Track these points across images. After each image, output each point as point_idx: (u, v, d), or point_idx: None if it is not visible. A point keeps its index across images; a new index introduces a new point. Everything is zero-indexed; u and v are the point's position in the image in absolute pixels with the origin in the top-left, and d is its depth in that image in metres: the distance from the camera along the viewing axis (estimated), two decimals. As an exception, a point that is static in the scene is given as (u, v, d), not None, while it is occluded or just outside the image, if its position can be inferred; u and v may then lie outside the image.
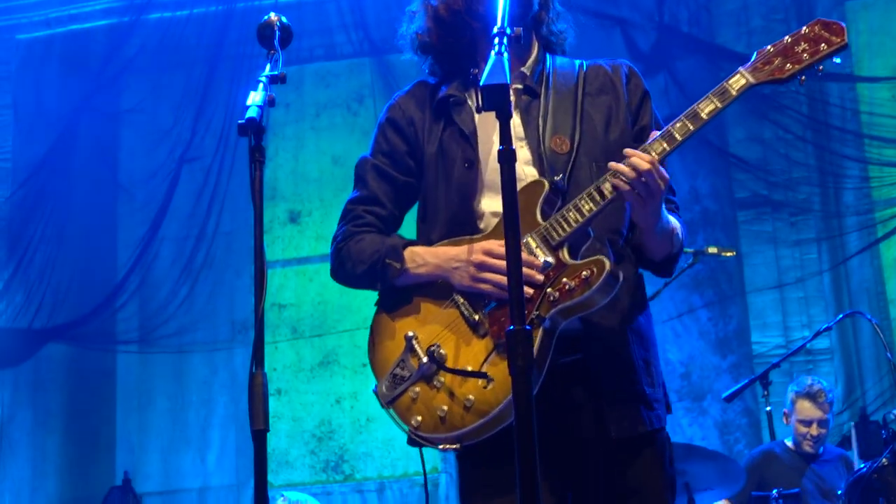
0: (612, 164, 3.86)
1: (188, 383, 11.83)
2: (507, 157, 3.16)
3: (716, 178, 10.82)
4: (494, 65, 3.25)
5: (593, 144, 4.12)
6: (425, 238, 4.24)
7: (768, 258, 10.64)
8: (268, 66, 3.87)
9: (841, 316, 8.76)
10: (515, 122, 4.12)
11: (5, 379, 11.77)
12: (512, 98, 4.03)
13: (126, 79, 12.32)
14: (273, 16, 3.99)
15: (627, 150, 3.85)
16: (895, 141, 10.53)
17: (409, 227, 4.35)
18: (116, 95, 12.41)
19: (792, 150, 10.73)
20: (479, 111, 3.67)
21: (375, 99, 11.59)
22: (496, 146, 3.83)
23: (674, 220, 4.11)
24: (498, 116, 3.19)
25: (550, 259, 3.86)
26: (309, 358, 11.60)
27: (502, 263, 3.83)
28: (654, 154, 3.84)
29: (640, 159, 3.80)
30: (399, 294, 4.17)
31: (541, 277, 3.85)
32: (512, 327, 3.05)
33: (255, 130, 3.58)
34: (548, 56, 4.34)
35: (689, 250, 7.58)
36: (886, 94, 10.74)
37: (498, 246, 3.89)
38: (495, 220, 4.06)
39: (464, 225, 4.11)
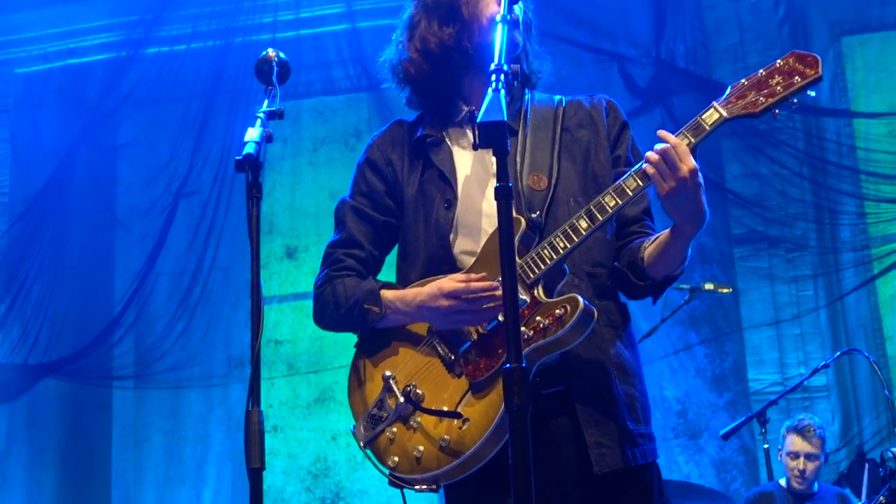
0: (646, 160, 3.80)
1: (184, 419, 11.79)
2: (504, 194, 3.15)
3: (712, 215, 10.74)
4: (491, 102, 3.24)
5: (571, 180, 4.13)
6: (404, 277, 4.25)
7: (765, 294, 10.62)
8: (265, 102, 3.87)
9: (838, 354, 8.74)
10: (493, 158, 4.11)
11: (1, 414, 11.72)
12: None
13: (123, 113, 12.33)
14: (271, 51, 4.00)
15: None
16: (892, 177, 10.52)
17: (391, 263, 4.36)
18: (114, 129, 12.42)
19: (788, 187, 10.73)
20: (475, 148, 3.66)
21: (373, 134, 11.59)
22: (475, 185, 3.85)
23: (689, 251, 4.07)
24: (495, 154, 3.19)
25: (524, 297, 3.85)
26: (305, 394, 11.57)
27: (468, 295, 3.87)
28: (634, 183, 3.83)
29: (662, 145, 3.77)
30: (377, 336, 4.17)
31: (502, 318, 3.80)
32: (508, 365, 3.02)
33: (252, 167, 3.58)
34: (526, 92, 4.35)
35: (686, 287, 7.59)
36: (883, 129, 10.75)
37: (457, 282, 3.90)
38: (471, 259, 4.06)
39: (441, 264, 4.11)
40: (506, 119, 3.17)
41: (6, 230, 12.02)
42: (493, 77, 3.37)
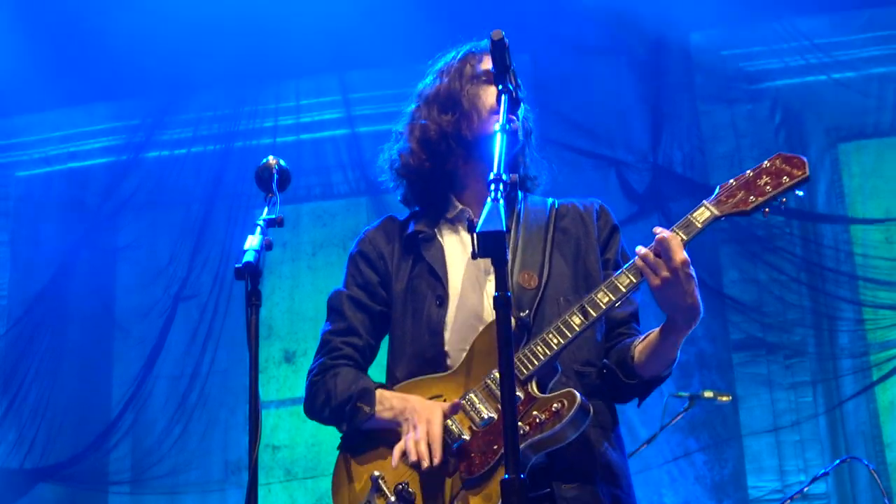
0: (638, 255, 3.89)
1: (181, 525, 11.68)
2: (502, 303, 3.16)
3: (711, 320, 10.79)
4: (490, 211, 3.27)
5: (561, 280, 4.18)
6: (390, 374, 4.29)
7: (764, 401, 10.57)
8: (265, 209, 3.90)
9: (838, 462, 8.68)
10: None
11: (-4, 519, 11.63)
12: None
13: (123, 216, 12.37)
14: (272, 159, 4.04)
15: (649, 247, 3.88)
16: (889, 283, 10.53)
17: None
18: (114, 232, 12.45)
19: (786, 292, 10.73)
20: (474, 257, 3.71)
21: (364, 228, 11.61)
22: (467, 284, 3.89)
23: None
24: (494, 263, 3.21)
25: (518, 394, 3.84)
26: (302, 500, 11.46)
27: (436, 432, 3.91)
28: (628, 279, 3.91)
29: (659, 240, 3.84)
30: (363, 436, 4.20)
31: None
32: (507, 476, 3.01)
33: (251, 275, 3.60)
34: (520, 194, 4.39)
35: (685, 394, 7.58)
36: (880, 236, 10.77)
37: (437, 429, 3.93)
38: (462, 356, 4.09)
39: (431, 362, 4.15)
40: (505, 229, 3.19)
41: (4, 333, 12.01)
42: (493, 186, 3.41)
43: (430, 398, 4.08)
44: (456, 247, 4.33)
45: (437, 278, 4.24)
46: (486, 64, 4.36)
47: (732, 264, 10.80)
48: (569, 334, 3.90)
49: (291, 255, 12.05)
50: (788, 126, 11.22)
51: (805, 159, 3.94)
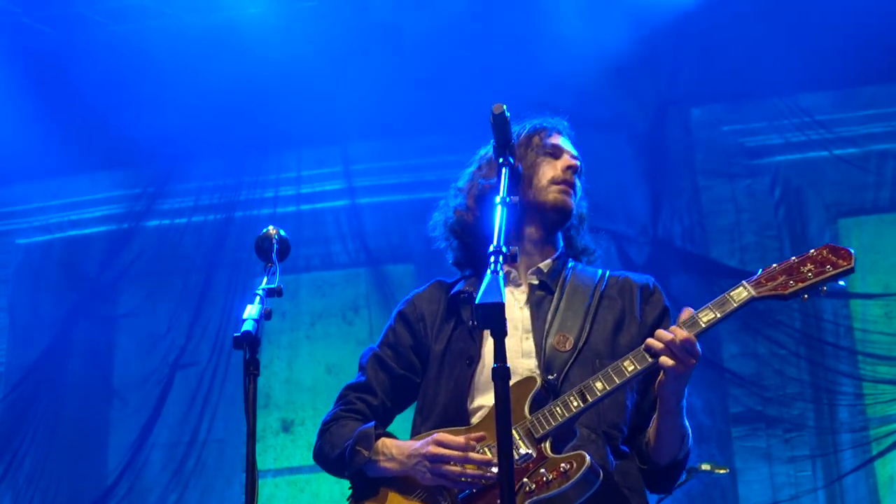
0: (648, 340, 3.93)
1: None
2: (501, 375, 3.17)
3: (710, 393, 10.78)
4: (490, 283, 3.30)
5: (601, 343, 4.21)
6: (416, 430, 4.30)
7: (762, 475, 10.52)
8: (265, 279, 3.92)
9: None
10: (525, 314, 4.25)
11: (-11, 589, 11.55)
12: (526, 289, 4.29)
13: (123, 284, 12.39)
14: (272, 229, 4.06)
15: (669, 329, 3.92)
16: (889, 358, 10.51)
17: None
18: (113, 300, 12.46)
19: (786, 366, 10.72)
20: (473, 329, 3.73)
21: (370, 309, 11.64)
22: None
23: (687, 425, 4.17)
24: (493, 335, 3.22)
25: (530, 451, 3.88)
26: (298, 571, 11.42)
27: (454, 452, 3.91)
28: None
29: (678, 330, 3.87)
30: (370, 484, 4.19)
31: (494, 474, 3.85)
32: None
33: (250, 344, 3.61)
34: (570, 261, 4.45)
35: (683, 467, 7.54)
36: (879, 310, 10.77)
37: (449, 436, 3.96)
38: (485, 412, 4.09)
39: (455, 421, 4.17)
40: (503, 301, 3.21)
41: (1, 399, 11.98)
42: (492, 258, 3.43)
43: None
44: None
45: (473, 339, 4.28)
46: (556, 139, 4.53)
47: (732, 338, 10.79)
48: (589, 398, 3.92)
49: (290, 325, 12.04)
50: (788, 201, 11.25)
51: (852, 251, 3.95)
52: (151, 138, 11.51)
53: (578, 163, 4.47)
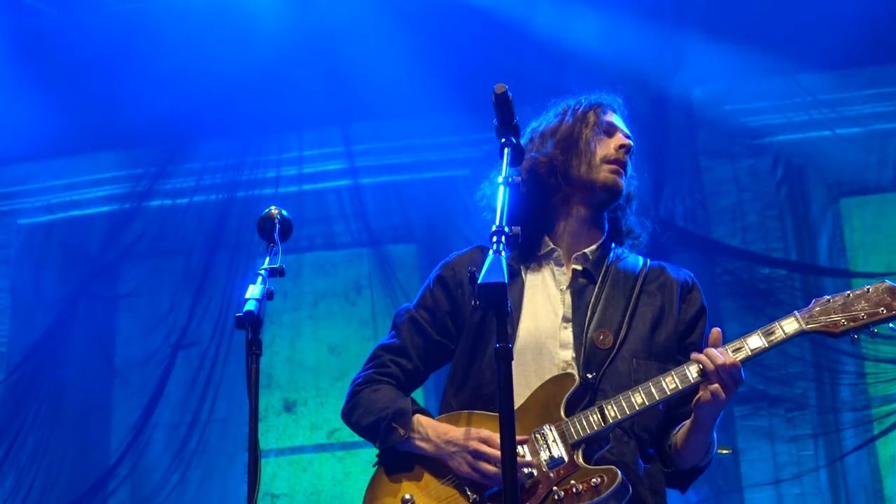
0: (695, 355, 3.97)
1: (177, 575, 11.62)
2: (503, 355, 3.16)
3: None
4: (492, 264, 3.28)
5: (638, 341, 4.19)
6: (446, 401, 4.29)
7: (765, 454, 10.53)
8: (267, 259, 3.91)
9: (839, 516, 8.67)
10: (567, 301, 4.23)
11: (-8, 569, 11.57)
12: (568, 273, 4.25)
13: (124, 264, 12.39)
14: (274, 209, 4.05)
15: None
16: (891, 337, 10.40)
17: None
18: (114, 280, 12.46)
19: (788, 346, 10.65)
20: (475, 310, 3.72)
21: (373, 289, 11.63)
22: (536, 325, 4.09)
23: (715, 437, 4.17)
24: (495, 315, 3.20)
25: (563, 455, 3.89)
26: (300, 549, 11.43)
27: (498, 454, 3.83)
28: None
29: (727, 354, 3.92)
30: (401, 457, 4.18)
31: (526, 474, 3.87)
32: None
33: (252, 324, 3.61)
34: (613, 246, 4.42)
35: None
36: (881, 290, 10.74)
37: (496, 436, 3.87)
38: (518, 401, 4.01)
39: (486, 402, 4.15)
40: (506, 281, 3.19)
41: (3, 379, 11.99)
42: (494, 239, 3.41)
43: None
44: (537, 288, 4.33)
45: (511, 316, 4.21)
46: (611, 117, 4.50)
47: (734, 317, 10.78)
48: (627, 411, 3.93)
49: (292, 305, 12.04)
50: (790, 181, 11.24)
51: None
52: (153, 118, 11.49)
53: (631, 142, 4.42)
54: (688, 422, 4.10)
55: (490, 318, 4.17)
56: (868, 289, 4.00)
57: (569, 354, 4.13)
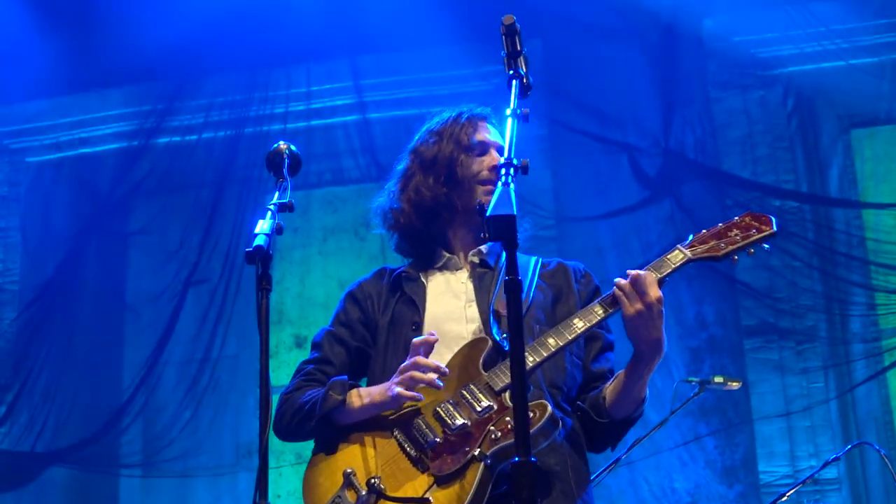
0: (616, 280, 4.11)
1: (191, 509, 11.69)
2: (512, 287, 3.15)
3: (722, 305, 10.78)
4: (501, 195, 3.30)
5: (541, 312, 4.35)
6: None
7: (775, 386, 10.53)
8: (276, 194, 3.89)
9: (849, 447, 8.65)
10: (469, 287, 4.40)
11: (7, 502, 11.63)
12: (467, 269, 4.46)
13: (134, 201, 12.40)
14: (282, 144, 4.04)
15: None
16: (903, 269, 10.49)
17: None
18: (124, 217, 12.47)
19: (799, 278, 10.68)
20: (484, 241, 3.73)
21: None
22: (441, 309, 4.27)
23: (647, 392, 4.28)
24: (504, 246, 3.20)
25: (492, 403, 4.00)
26: (312, 484, 11.45)
27: (431, 362, 4.01)
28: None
29: (630, 271, 4.08)
30: (337, 435, 4.24)
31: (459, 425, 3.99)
32: (518, 459, 3.03)
33: (262, 259, 3.59)
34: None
35: (695, 380, 7.58)
36: (892, 221, 10.71)
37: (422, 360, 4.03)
38: None
39: None
40: (515, 213, 3.19)
41: (16, 317, 12.04)
42: (503, 171, 3.41)
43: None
44: (439, 285, 4.51)
45: (415, 307, 4.39)
46: (481, 134, 4.59)
47: (744, 249, 10.75)
48: (543, 353, 4.05)
49: (302, 241, 12.05)
50: (801, 112, 11.18)
51: (773, 218, 4.33)
52: (161, 54, 11.44)
53: (503, 158, 4.35)
54: (623, 370, 4.23)
55: (400, 315, 4.44)
56: (736, 219, 4.33)
57: (475, 326, 4.28)
